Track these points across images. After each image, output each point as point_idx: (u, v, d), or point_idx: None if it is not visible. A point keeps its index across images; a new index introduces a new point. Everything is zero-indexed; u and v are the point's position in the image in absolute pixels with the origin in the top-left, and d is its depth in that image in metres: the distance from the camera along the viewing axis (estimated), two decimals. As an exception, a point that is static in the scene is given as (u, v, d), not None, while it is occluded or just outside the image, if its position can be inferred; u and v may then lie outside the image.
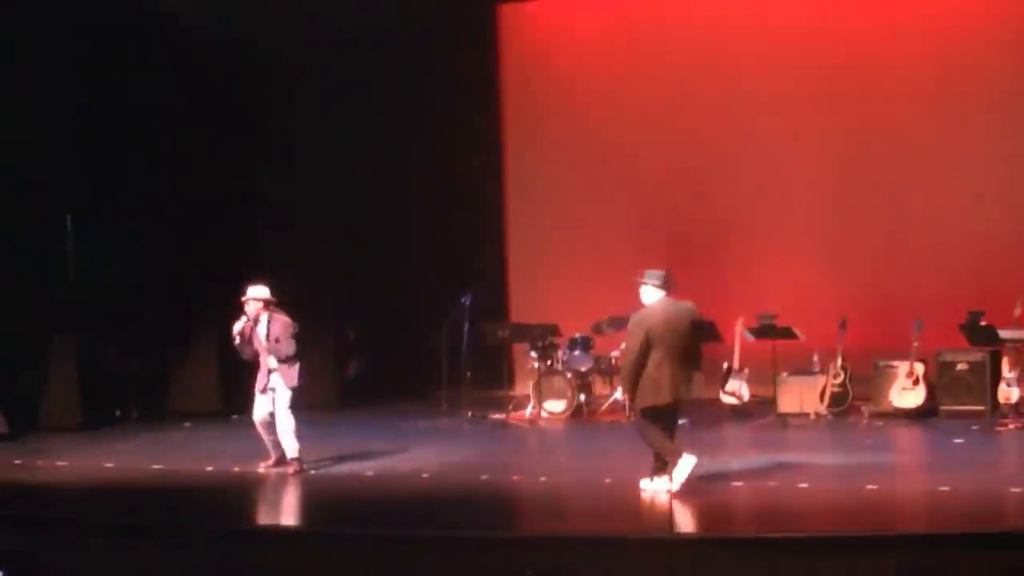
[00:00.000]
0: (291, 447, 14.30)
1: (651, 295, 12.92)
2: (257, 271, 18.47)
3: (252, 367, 14.44)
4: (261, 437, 14.45)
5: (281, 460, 14.46)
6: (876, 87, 19.40)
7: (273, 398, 14.24)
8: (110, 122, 18.61)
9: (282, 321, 14.26)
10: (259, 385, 14.33)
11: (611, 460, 13.30)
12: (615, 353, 17.58)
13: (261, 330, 14.26)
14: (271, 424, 14.31)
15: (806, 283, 19.38)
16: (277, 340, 14.21)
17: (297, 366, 14.23)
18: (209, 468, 14.84)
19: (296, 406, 14.30)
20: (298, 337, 14.27)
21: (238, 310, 14.40)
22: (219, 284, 18.48)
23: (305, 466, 14.34)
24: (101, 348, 18.50)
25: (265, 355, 14.26)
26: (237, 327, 14.23)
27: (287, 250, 19.05)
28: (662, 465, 12.77)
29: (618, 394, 17.72)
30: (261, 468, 14.45)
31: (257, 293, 14.28)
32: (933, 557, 10.47)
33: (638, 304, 12.90)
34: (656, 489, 12.68)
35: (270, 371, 14.22)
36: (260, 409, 14.33)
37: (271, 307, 14.32)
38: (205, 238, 19.30)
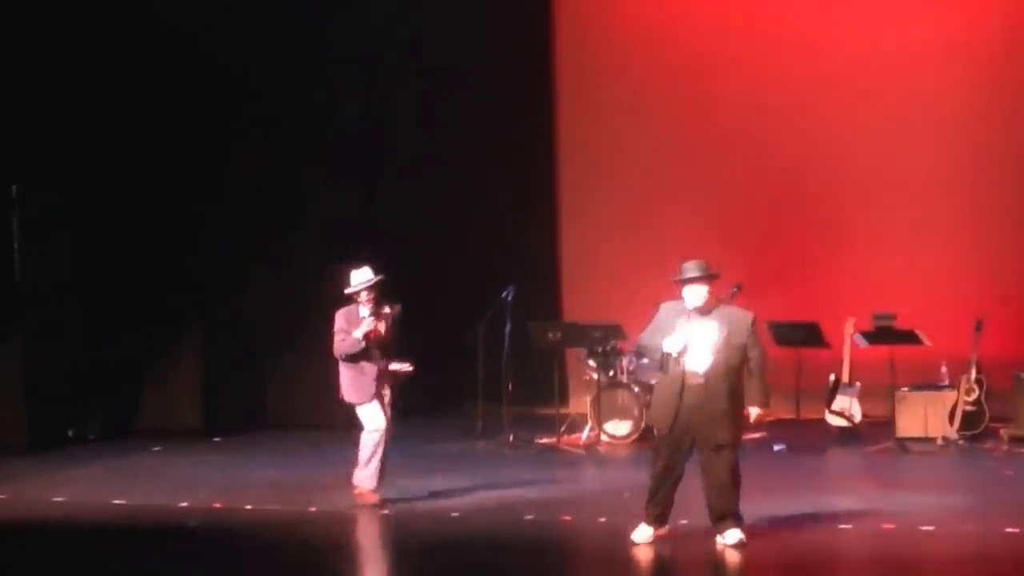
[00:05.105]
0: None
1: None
2: (261, 261, 19.43)
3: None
4: (383, 460, 14.43)
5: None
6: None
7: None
8: (78, 78, 18.69)
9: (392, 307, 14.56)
10: (374, 391, 14.42)
11: (688, 499, 12.84)
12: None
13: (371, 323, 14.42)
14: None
15: (932, 276, 19.43)
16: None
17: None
18: (184, 504, 14.82)
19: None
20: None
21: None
22: (206, 272, 19.21)
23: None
24: (53, 350, 18.39)
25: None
26: (365, 328, 14.17)
27: (295, 240, 19.19)
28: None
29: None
30: (385, 510, 14.25)
31: (370, 278, 14.30)
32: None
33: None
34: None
35: (382, 372, 14.47)
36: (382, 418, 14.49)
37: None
38: (191, 216, 19.32)
